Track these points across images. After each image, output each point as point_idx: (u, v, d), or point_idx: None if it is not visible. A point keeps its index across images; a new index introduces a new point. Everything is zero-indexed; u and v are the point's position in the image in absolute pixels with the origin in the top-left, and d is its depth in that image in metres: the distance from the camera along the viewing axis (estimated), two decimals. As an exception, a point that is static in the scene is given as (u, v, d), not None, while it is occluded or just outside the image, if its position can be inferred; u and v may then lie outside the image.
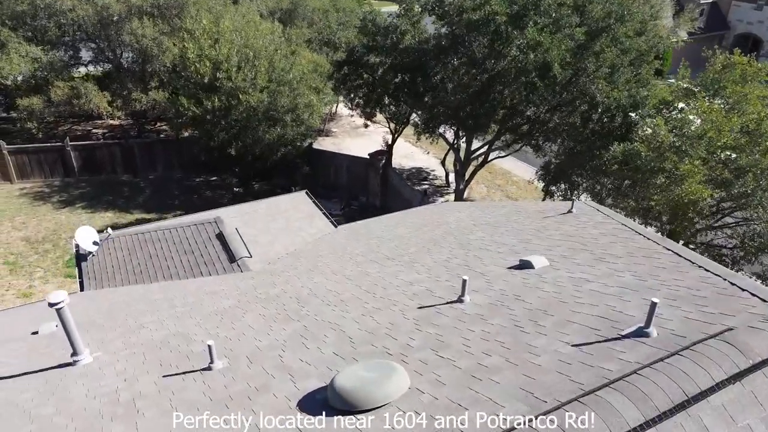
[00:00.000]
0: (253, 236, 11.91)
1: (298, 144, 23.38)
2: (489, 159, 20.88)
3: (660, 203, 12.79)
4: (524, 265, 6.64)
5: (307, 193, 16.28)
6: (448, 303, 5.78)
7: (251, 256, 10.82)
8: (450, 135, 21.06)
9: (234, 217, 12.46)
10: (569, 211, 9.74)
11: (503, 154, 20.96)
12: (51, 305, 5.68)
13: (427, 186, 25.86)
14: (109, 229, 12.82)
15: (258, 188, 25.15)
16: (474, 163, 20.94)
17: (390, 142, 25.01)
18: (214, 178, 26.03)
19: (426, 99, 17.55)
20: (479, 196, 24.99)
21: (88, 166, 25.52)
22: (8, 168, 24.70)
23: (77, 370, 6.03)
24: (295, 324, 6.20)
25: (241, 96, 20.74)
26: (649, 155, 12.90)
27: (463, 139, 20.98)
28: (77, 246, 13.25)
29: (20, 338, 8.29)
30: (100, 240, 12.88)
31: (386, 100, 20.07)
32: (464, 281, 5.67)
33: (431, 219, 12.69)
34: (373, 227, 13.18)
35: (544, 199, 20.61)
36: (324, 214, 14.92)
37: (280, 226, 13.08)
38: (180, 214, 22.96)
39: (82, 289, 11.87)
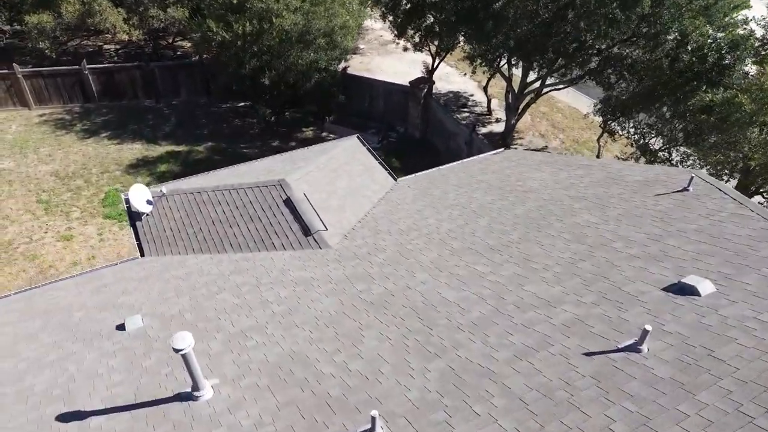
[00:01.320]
0: (322, 201, 11.06)
1: (333, 69, 21.72)
2: (544, 92, 19.37)
3: (759, 161, 11.75)
4: (685, 289, 5.90)
5: (359, 138, 15.18)
6: (620, 351, 5.11)
7: (327, 229, 10.05)
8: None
9: (297, 180, 11.48)
10: (685, 189, 8.83)
11: (561, 86, 19.40)
12: (176, 351, 5.05)
13: (467, 114, 24.43)
14: (163, 188, 11.97)
15: (290, 117, 23.81)
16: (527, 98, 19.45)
17: (431, 68, 23.24)
18: (241, 104, 24.55)
19: (486, 29, 15.80)
20: (524, 126, 23.65)
21: (107, 91, 24.04)
22: (24, 93, 23.29)
23: (202, 409, 5.53)
24: (437, 362, 5.60)
25: (274, 19, 18.87)
26: (752, 108, 11.65)
27: (515, 65, 19.35)
28: (128, 202, 12.50)
29: (107, 335, 7.79)
30: (154, 198, 12.09)
31: (438, 29, 18.19)
32: (645, 331, 4.97)
33: (507, 179, 11.75)
34: (441, 186, 12.28)
35: (601, 136, 19.39)
36: (380, 163, 13.94)
37: (344, 185, 12.16)
38: (211, 146, 21.89)
39: (142, 255, 11.28)
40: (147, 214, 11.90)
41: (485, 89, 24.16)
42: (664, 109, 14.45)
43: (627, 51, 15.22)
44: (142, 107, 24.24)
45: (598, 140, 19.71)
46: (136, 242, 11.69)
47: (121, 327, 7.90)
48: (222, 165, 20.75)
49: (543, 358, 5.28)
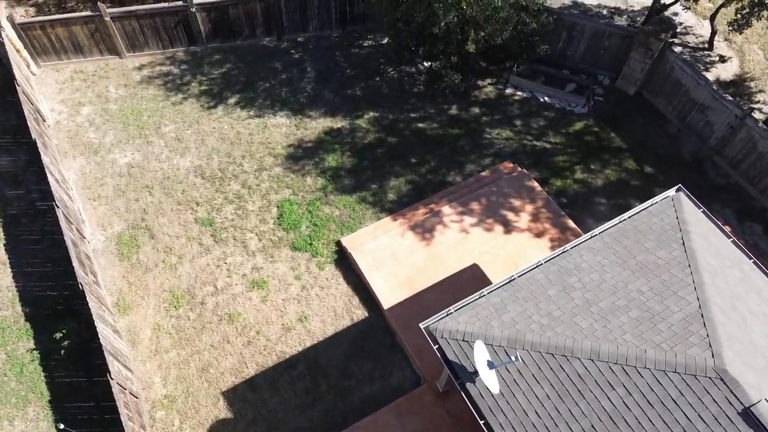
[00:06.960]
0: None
1: (536, 6, 16.14)
2: None
3: None
4: None
5: (683, 191, 11.06)
6: None
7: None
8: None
9: (735, 365, 7.84)
10: None
11: None
12: None
13: (679, 49, 18.98)
14: (517, 353, 8.45)
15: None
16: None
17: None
18: (385, 41, 18.98)
19: None
20: (751, 63, 18.56)
21: (218, 30, 18.43)
22: (114, 38, 17.80)
23: None
24: None
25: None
26: None
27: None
28: (450, 364, 9.17)
29: None
30: (498, 363, 8.72)
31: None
32: None
33: None
34: None
35: None
36: (743, 250, 10.14)
37: (761, 337, 8.60)
38: (374, 118, 17.27)
39: (501, 449, 8.36)
40: (486, 383, 8.64)
41: (712, 18, 18.47)
42: None
43: None
44: (262, 49, 18.80)
45: None
46: (478, 418, 8.66)
47: None
48: (400, 149, 16.24)
49: None
